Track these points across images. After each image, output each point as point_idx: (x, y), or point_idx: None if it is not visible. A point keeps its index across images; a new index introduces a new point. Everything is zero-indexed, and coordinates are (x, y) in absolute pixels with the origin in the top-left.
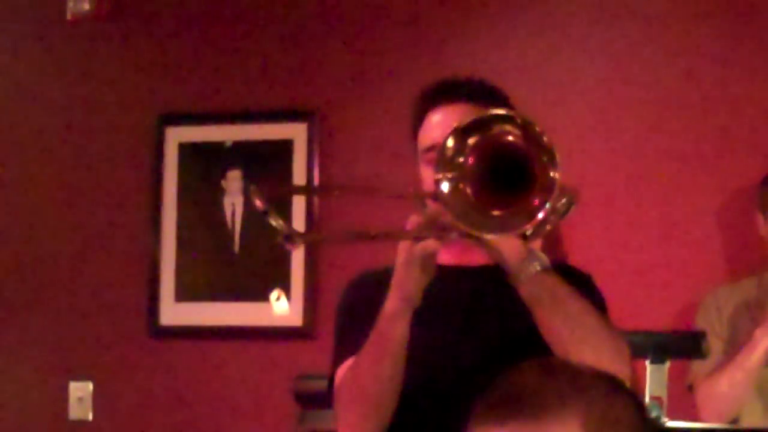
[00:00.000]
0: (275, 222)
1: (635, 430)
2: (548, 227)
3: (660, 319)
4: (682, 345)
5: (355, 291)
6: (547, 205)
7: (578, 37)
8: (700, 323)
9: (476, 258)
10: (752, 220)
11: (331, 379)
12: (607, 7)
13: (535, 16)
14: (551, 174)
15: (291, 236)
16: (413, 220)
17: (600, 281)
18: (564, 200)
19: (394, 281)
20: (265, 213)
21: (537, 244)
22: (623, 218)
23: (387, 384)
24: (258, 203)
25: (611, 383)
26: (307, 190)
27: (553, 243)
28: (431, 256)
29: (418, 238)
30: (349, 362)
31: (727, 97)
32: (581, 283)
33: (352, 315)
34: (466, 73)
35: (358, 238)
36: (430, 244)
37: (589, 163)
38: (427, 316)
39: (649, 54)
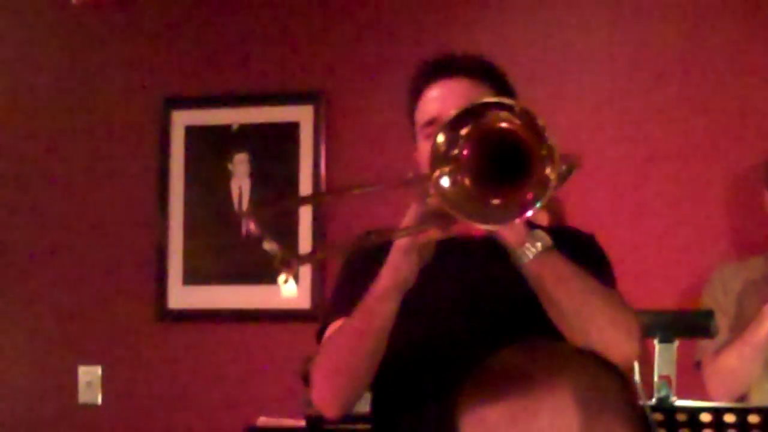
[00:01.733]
0: (270, 247)
1: (623, 399)
2: (549, 193)
3: (668, 298)
4: (690, 324)
5: (356, 260)
6: (551, 183)
7: (588, 14)
8: (707, 299)
9: (474, 230)
10: (760, 199)
11: (321, 333)
12: None
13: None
14: (548, 169)
15: (288, 261)
16: (413, 211)
17: (613, 261)
18: (564, 166)
19: (390, 263)
20: (261, 239)
21: (544, 218)
22: (631, 197)
23: (367, 359)
24: (252, 227)
25: (594, 357)
26: (308, 199)
27: (559, 221)
28: (431, 244)
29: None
30: (335, 325)
31: (736, 77)
32: (585, 247)
33: (352, 273)
34: (474, 51)
35: (359, 245)
36: (432, 234)
37: (597, 143)
38: (431, 286)
39: (658, 33)
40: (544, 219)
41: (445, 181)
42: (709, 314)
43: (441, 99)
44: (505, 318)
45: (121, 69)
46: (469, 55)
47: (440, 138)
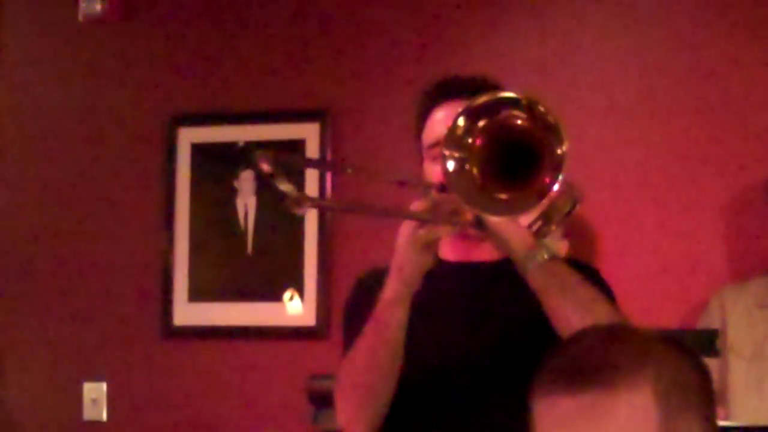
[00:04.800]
0: (282, 185)
1: (702, 393)
2: (553, 227)
3: (672, 317)
4: (694, 343)
5: (362, 288)
6: (559, 177)
7: (587, 34)
8: (702, 326)
9: (482, 255)
10: (764, 217)
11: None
12: (619, 1)
13: (549, 13)
14: (558, 151)
15: (300, 199)
16: (418, 204)
17: (612, 280)
18: (569, 200)
19: (394, 265)
20: (272, 176)
21: (563, 248)
22: (635, 216)
23: (384, 371)
24: (264, 167)
25: (677, 347)
26: (317, 163)
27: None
28: (435, 241)
29: (425, 222)
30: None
31: (742, 92)
32: (588, 277)
33: (358, 312)
34: (478, 70)
35: (367, 212)
36: (439, 229)
37: (600, 161)
38: (432, 312)
39: (660, 52)
40: (563, 249)
41: (451, 165)
42: (713, 333)
43: (446, 121)
44: (510, 344)
45: (127, 86)
46: (475, 77)
47: (460, 122)
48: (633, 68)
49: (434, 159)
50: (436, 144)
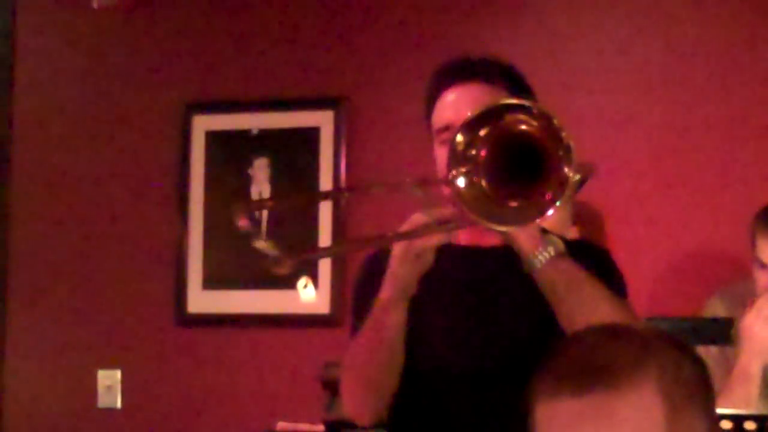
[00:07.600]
0: (262, 245)
1: (703, 387)
2: (569, 193)
3: (689, 305)
4: (710, 331)
5: (369, 267)
6: (572, 171)
7: (602, 24)
8: None
9: (492, 239)
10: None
11: None
12: None
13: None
14: (565, 168)
15: (280, 259)
16: (413, 218)
17: (629, 267)
18: (578, 176)
19: (390, 271)
20: (250, 235)
21: (574, 233)
22: (646, 205)
23: (384, 369)
24: (241, 224)
25: (677, 344)
26: (317, 196)
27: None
28: (429, 249)
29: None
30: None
31: (747, 90)
32: (598, 260)
33: (365, 292)
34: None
35: (361, 246)
36: (431, 240)
37: (612, 149)
38: (441, 296)
39: (673, 52)
40: (573, 234)
41: (461, 182)
42: (729, 321)
43: (456, 104)
44: (519, 329)
45: (142, 74)
46: (485, 58)
47: (459, 138)
48: (652, 50)
49: (443, 143)
50: (445, 128)
